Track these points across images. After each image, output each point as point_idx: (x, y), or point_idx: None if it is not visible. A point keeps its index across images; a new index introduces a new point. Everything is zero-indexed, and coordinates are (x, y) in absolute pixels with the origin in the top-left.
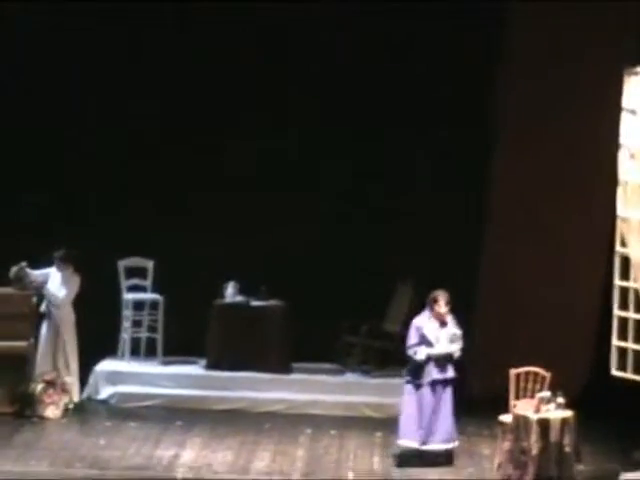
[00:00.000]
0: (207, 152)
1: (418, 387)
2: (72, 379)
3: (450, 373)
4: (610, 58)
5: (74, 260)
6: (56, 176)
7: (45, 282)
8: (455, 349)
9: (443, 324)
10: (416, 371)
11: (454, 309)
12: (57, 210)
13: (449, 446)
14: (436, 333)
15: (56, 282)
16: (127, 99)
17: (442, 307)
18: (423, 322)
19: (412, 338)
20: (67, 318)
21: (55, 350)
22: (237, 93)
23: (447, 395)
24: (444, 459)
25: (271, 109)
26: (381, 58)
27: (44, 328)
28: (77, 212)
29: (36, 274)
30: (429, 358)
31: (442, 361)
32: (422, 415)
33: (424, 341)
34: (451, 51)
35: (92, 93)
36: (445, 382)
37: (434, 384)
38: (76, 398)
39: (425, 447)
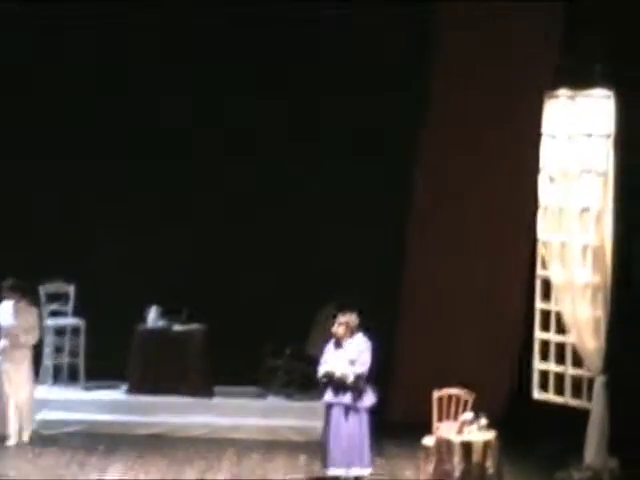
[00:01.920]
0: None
1: (327, 410)
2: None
3: (346, 399)
4: (530, 81)
5: (24, 290)
6: None
7: None
8: (346, 372)
9: (339, 345)
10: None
11: (377, 331)
12: None
13: (361, 472)
14: (332, 354)
15: (12, 318)
16: None
17: (336, 327)
18: (329, 345)
19: (320, 359)
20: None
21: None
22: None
23: (357, 420)
24: None
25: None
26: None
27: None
28: None
29: None
30: (329, 378)
31: (336, 384)
32: (331, 439)
33: (325, 362)
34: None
35: None
36: (354, 407)
37: (343, 408)
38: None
39: (335, 471)
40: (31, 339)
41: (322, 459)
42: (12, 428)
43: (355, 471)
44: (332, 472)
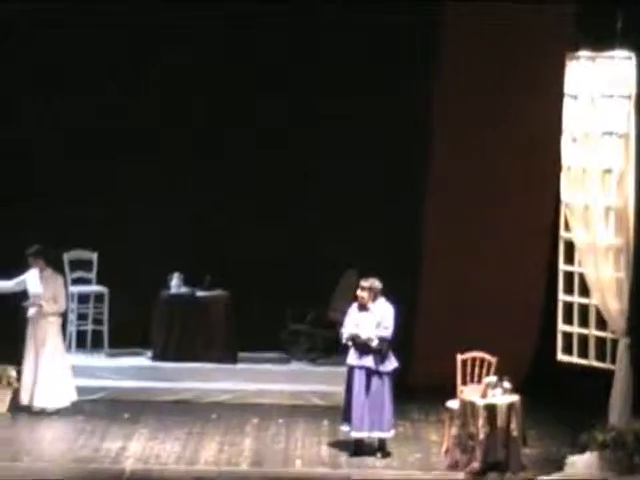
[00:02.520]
0: (147, 149)
1: (349, 373)
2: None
3: (369, 362)
4: (551, 43)
5: (48, 257)
6: None
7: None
8: (370, 336)
9: (363, 309)
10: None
11: (398, 296)
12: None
13: (382, 435)
14: (354, 317)
15: (36, 286)
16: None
17: (360, 291)
18: (352, 308)
19: (344, 322)
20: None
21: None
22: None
23: (379, 384)
24: (378, 448)
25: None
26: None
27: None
28: (19, 206)
29: (9, 285)
30: (352, 341)
31: (360, 347)
32: (353, 402)
33: (348, 325)
34: (385, 49)
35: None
36: (376, 371)
37: (365, 371)
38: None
39: (356, 434)
40: (57, 307)
41: (343, 421)
42: (41, 397)
43: (376, 434)
44: (354, 435)
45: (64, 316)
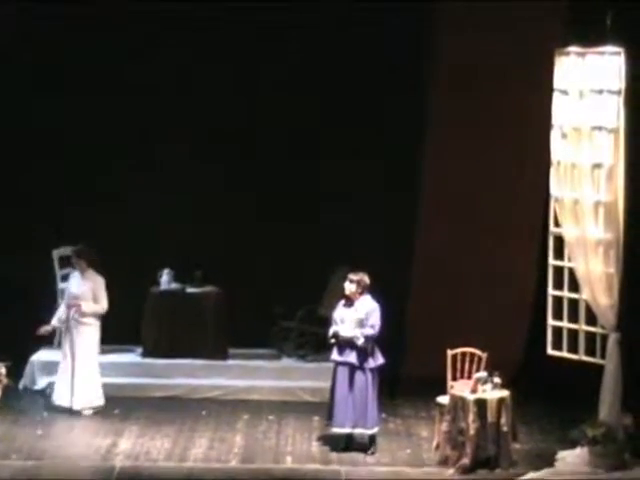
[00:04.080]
0: (137, 147)
1: (334, 369)
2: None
3: (352, 358)
4: (540, 39)
5: (89, 258)
6: None
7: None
8: (356, 334)
9: (349, 304)
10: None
11: (389, 291)
12: None
13: (366, 432)
14: (341, 313)
15: (75, 286)
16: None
17: (348, 284)
18: (340, 303)
19: (331, 319)
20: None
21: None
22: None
23: (363, 380)
24: (368, 444)
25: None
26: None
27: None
28: (11, 201)
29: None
30: (336, 338)
31: (344, 344)
32: (337, 398)
33: (334, 321)
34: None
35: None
36: (360, 367)
37: (349, 367)
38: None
39: (339, 430)
40: (98, 308)
41: (327, 418)
42: (72, 398)
43: (359, 431)
44: (337, 431)
45: (53, 312)
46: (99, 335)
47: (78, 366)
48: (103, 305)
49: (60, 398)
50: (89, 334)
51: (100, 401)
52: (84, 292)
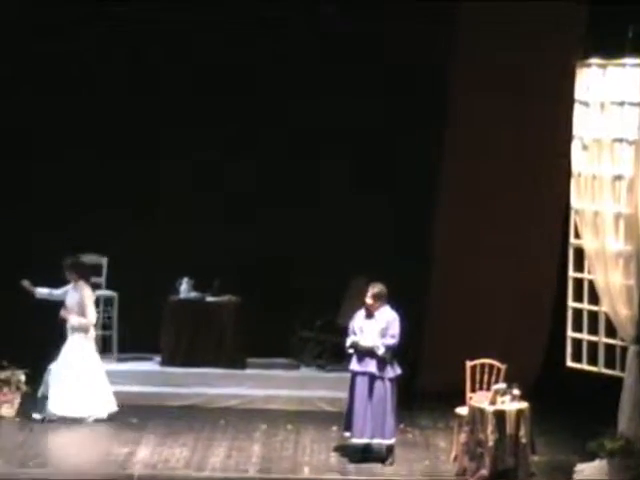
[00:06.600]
0: (156, 152)
1: (352, 379)
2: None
3: (371, 368)
4: (562, 50)
5: (79, 270)
6: (7, 175)
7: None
8: (377, 344)
9: (370, 315)
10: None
11: (407, 302)
12: (11, 208)
13: (384, 442)
14: (360, 323)
15: (70, 298)
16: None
17: (368, 298)
18: (358, 313)
19: (349, 328)
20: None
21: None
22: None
23: (382, 390)
24: (386, 455)
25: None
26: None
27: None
28: (29, 210)
29: (57, 293)
30: (354, 348)
31: (363, 353)
32: (355, 408)
33: (353, 331)
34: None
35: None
36: (379, 377)
37: (368, 377)
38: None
39: (357, 441)
40: (83, 321)
41: (345, 428)
42: (81, 409)
43: (377, 441)
44: (355, 441)
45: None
46: (91, 345)
47: (79, 377)
48: (89, 318)
49: (55, 408)
50: (79, 345)
51: (83, 412)
52: (72, 305)
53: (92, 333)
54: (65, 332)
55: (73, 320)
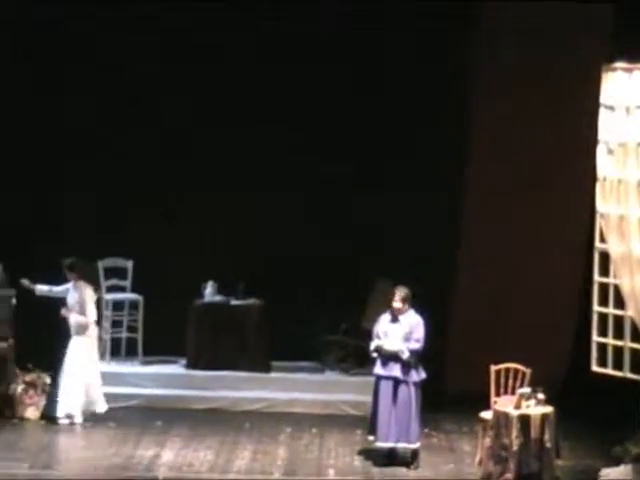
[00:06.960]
0: (182, 154)
1: (376, 383)
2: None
3: (396, 372)
4: (588, 55)
5: (79, 270)
6: (32, 176)
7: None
8: (402, 348)
9: (395, 319)
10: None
11: (432, 305)
12: (36, 211)
13: (409, 446)
14: (385, 327)
15: (70, 297)
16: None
17: (395, 302)
18: (383, 317)
19: (373, 332)
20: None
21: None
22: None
23: (406, 394)
24: (411, 458)
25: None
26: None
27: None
28: (54, 213)
29: (57, 290)
30: (378, 352)
31: (387, 357)
32: (380, 412)
33: (377, 335)
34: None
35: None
36: (404, 381)
37: (393, 381)
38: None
39: (382, 445)
40: (83, 320)
41: (370, 432)
42: (75, 407)
43: (402, 445)
44: (380, 445)
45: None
46: (93, 345)
47: (79, 375)
48: (89, 317)
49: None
50: (79, 344)
51: (76, 413)
52: (72, 304)
53: (94, 332)
54: (68, 331)
55: (73, 319)
